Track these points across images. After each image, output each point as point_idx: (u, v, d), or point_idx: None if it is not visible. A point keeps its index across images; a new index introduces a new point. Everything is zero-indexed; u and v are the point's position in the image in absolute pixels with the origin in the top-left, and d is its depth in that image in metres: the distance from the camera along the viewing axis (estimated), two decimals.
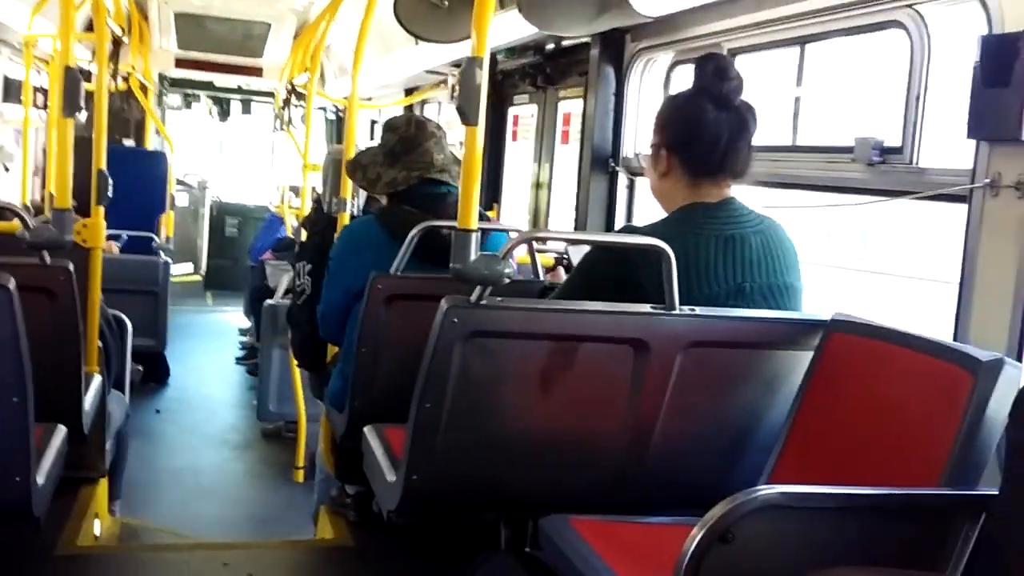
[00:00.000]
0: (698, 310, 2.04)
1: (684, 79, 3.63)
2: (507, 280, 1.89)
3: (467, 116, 1.88)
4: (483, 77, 1.88)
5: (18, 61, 5.83)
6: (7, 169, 6.69)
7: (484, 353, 1.98)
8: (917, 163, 2.43)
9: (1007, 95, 1.97)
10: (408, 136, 2.97)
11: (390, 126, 3.06)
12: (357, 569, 3.00)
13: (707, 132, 2.12)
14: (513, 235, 2.32)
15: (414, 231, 2.66)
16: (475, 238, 1.91)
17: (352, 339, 2.81)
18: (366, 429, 2.57)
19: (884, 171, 2.50)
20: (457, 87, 1.91)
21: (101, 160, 3.42)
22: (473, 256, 1.90)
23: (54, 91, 2.76)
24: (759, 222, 2.17)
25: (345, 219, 3.55)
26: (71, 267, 2.54)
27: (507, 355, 2.02)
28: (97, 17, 3.48)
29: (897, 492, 1.64)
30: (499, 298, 1.96)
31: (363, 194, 3.75)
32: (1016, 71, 1.94)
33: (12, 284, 1.80)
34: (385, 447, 2.41)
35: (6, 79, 6.36)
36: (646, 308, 2.03)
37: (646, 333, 2.04)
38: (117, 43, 4.84)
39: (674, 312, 2.02)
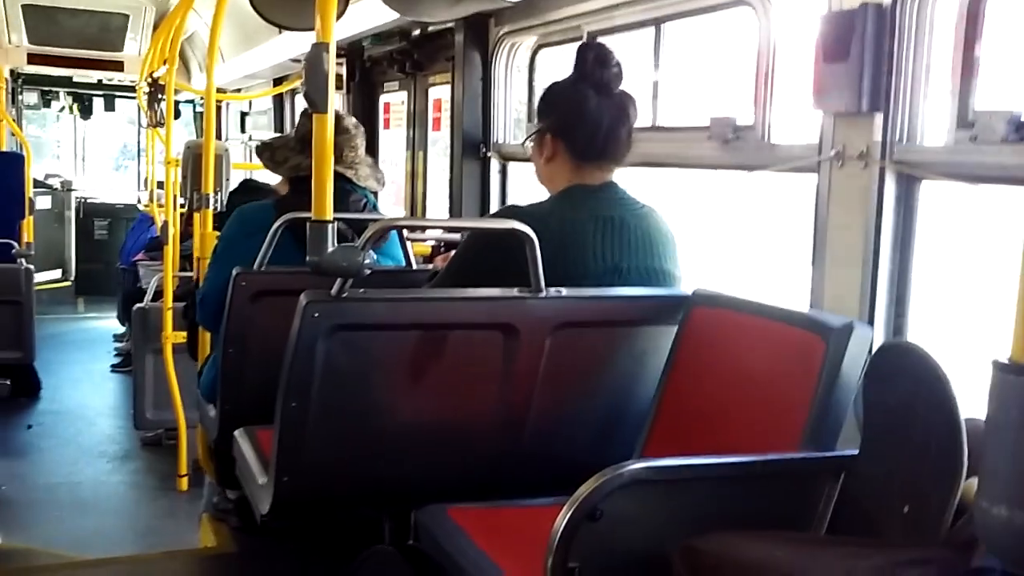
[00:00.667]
0: (564, 291, 2.06)
1: (548, 63, 3.64)
2: (367, 271, 1.86)
3: (316, 104, 1.83)
4: (331, 63, 1.83)
5: None
6: None
7: (349, 347, 1.94)
8: (769, 139, 2.50)
9: (847, 69, 2.03)
10: None
11: (307, 112, 3.00)
12: (239, 575, 2.92)
13: (589, 118, 2.15)
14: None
15: (277, 223, 2.59)
16: (331, 229, 1.86)
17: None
18: (236, 432, 2.50)
19: (738, 148, 2.56)
20: (304, 74, 1.84)
21: None
22: (330, 248, 1.85)
23: None
24: (639, 207, 2.21)
25: (208, 214, 3.43)
26: None
27: (374, 348, 1.98)
28: None
29: (760, 458, 1.68)
30: (362, 290, 1.92)
31: (227, 190, 3.65)
32: (854, 46, 2.01)
33: None
34: (256, 449, 2.35)
35: None
36: (512, 292, 2.03)
37: (514, 317, 2.03)
38: None
39: (540, 295, 2.02)
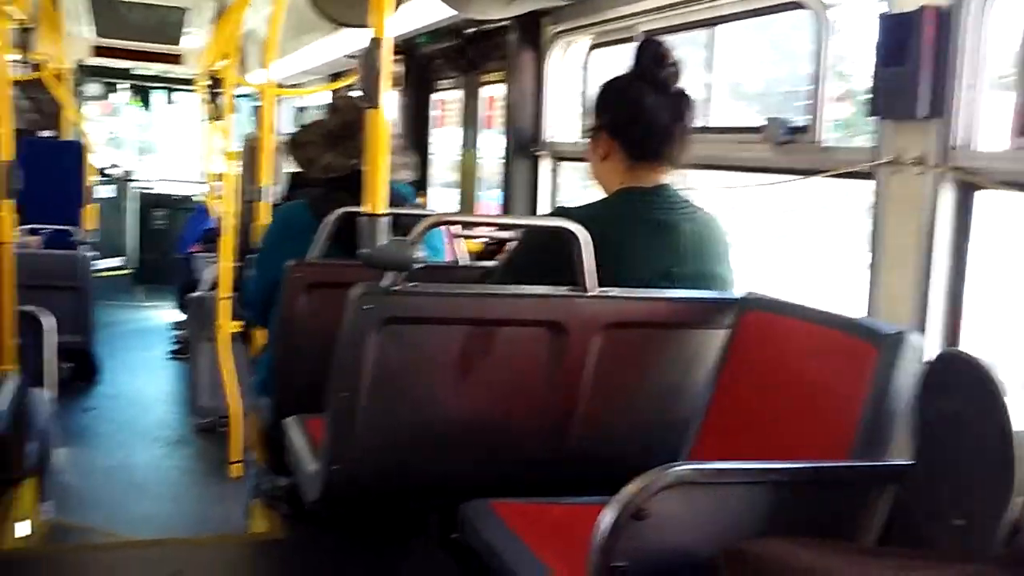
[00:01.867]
0: (613, 291, 2.06)
1: (602, 62, 3.64)
2: (417, 265, 1.88)
3: (370, 98, 1.86)
4: (386, 59, 1.86)
5: None
6: None
7: (399, 340, 1.97)
8: (821, 142, 2.47)
9: (904, 73, 2.01)
10: (350, 121, 2.88)
11: (334, 106, 3.00)
12: (288, 562, 2.97)
13: (646, 117, 2.13)
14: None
15: (329, 217, 2.63)
16: (385, 223, 1.89)
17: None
18: (287, 420, 2.55)
19: (792, 151, 2.54)
20: (360, 70, 1.87)
21: (8, 151, 3.32)
22: (383, 241, 1.88)
23: None
24: (692, 211, 2.19)
25: (265, 207, 3.49)
26: None
27: (423, 341, 2.01)
28: None
29: (810, 465, 1.67)
30: (413, 284, 1.95)
31: (284, 181, 3.71)
32: (911, 50, 1.98)
33: None
34: (307, 437, 2.39)
35: None
36: (562, 290, 2.04)
37: (563, 315, 2.05)
38: (26, 30, 4.67)
39: (590, 294, 2.03)
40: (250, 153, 3.78)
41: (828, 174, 2.40)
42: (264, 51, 3.98)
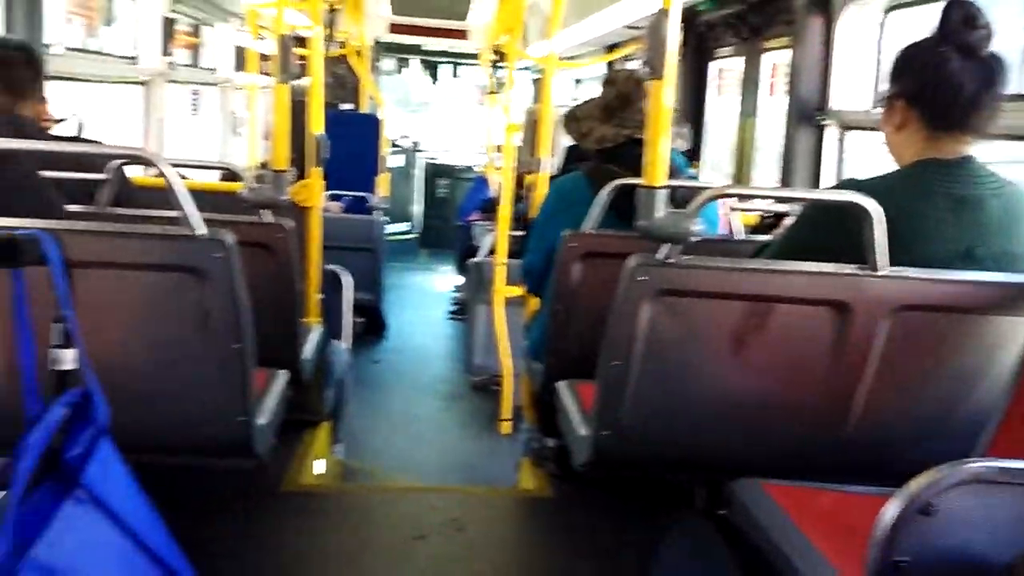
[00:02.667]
0: (907, 271, 1.93)
1: (899, 25, 3.38)
2: (695, 237, 1.86)
3: (655, 69, 1.85)
4: (672, 30, 1.84)
5: (248, 31, 6.28)
6: (239, 134, 7.24)
7: (673, 312, 1.96)
8: None
9: None
10: (625, 92, 2.93)
11: (609, 79, 3.03)
12: (554, 520, 3.07)
13: (950, 83, 1.95)
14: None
15: (605, 188, 2.66)
16: (662, 195, 1.88)
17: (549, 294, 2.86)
18: (559, 384, 2.62)
19: None
20: (646, 40, 1.86)
21: (319, 124, 3.63)
22: (661, 213, 1.87)
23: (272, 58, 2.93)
24: (1000, 185, 1.99)
25: (543, 178, 3.59)
26: (288, 224, 2.73)
27: (698, 315, 1.99)
28: None
29: None
30: (688, 256, 1.93)
31: (560, 153, 3.78)
32: None
33: (231, 239, 1.95)
34: (577, 402, 2.45)
35: (238, 49, 6.85)
36: (848, 269, 1.94)
37: (848, 295, 1.94)
38: (333, 10, 5.09)
39: (879, 273, 1.91)
40: (530, 126, 3.90)
41: None
42: (547, 24, 4.06)
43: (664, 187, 1.90)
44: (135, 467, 2.11)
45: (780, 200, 3.09)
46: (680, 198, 2.96)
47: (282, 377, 2.59)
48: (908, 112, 2.02)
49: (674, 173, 2.93)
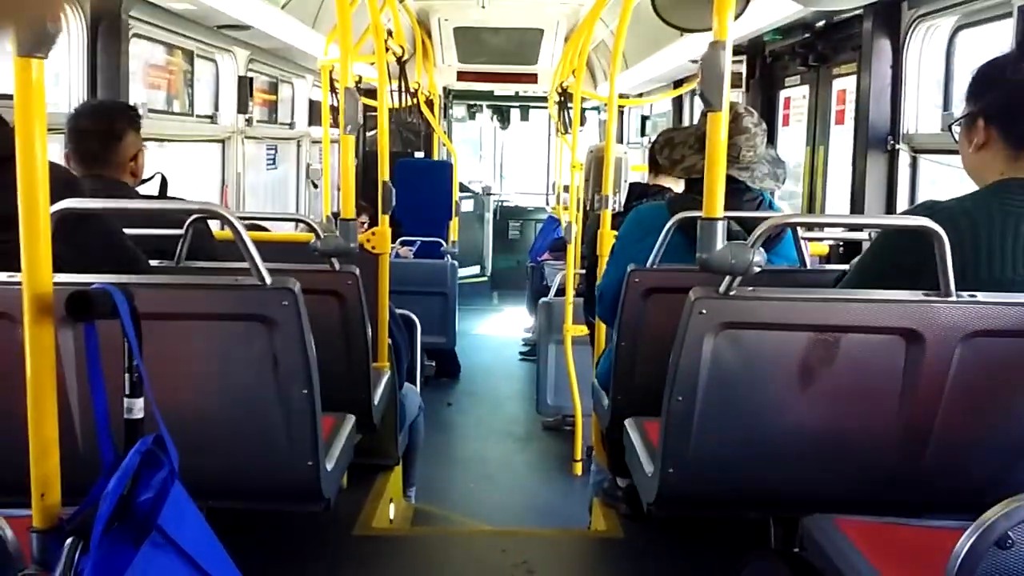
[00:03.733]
0: (979, 296, 1.87)
1: (968, 45, 3.30)
2: (757, 269, 1.83)
3: (711, 102, 1.84)
4: (726, 61, 1.83)
5: (320, 86, 6.49)
6: (315, 185, 7.44)
7: (737, 345, 1.93)
8: None
9: None
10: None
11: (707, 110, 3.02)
12: (625, 561, 3.03)
13: None
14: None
15: (669, 223, 2.65)
16: (721, 227, 1.86)
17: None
18: (627, 422, 2.60)
19: None
20: (700, 73, 1.86)
21: (385, 172, 3.70)
22: (720, 246, 1.85)
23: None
24: None
25: (607, 216, 3.59)
26: (357, 272, 2.78)
27: (763, 347, 1.95)
28: (377, 40, 3.78)
29: None
30: (751, 288, 1.90)
31: (624, 191, 3.79)
32: None
33: (297, 287, 2.00)
34: (644, 440, 2.42)
35: (311, 103, 7.06)
36: (917, 295, 1.89)
37: (919, 322, 1.89)
38: (401, 62, 5.21)
39: (950, 299, 1.86)
40: (594, 163, 3.91)
41: None
42: (610, 63, 4.09)
43: (723, 218, 1.88)
44: (209, 513, 2.17)
45: (847, 228, 3.02)
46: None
47: (350, 421, 2.62)
48: (988, 131, 1.95)
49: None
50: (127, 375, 1.58)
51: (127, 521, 1.62)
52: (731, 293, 1.89)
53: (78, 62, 3.62)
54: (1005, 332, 1.88)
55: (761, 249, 1.84)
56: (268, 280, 1.98)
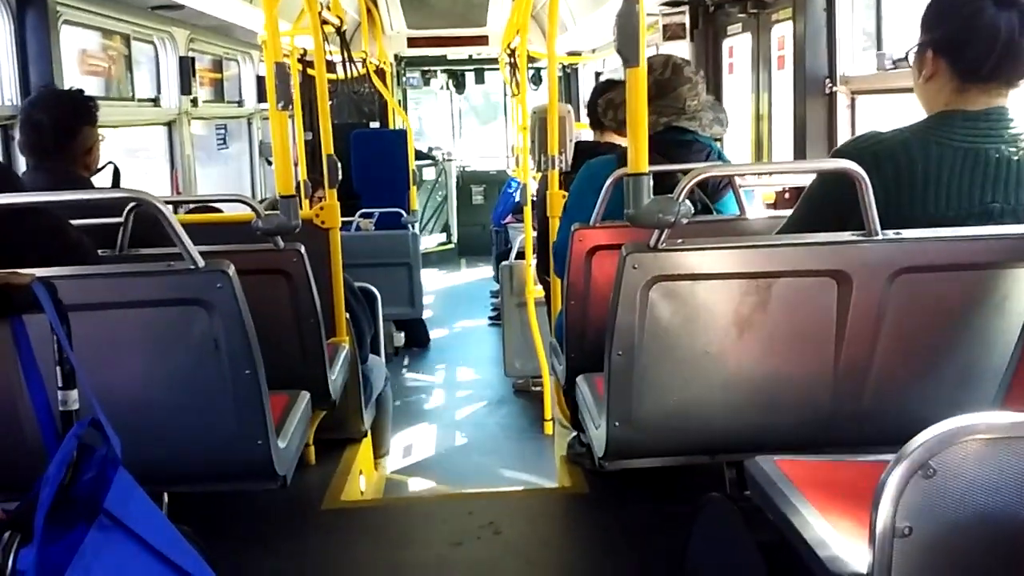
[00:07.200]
0: (904, 233, 1.90)
1: None
2: (684, 221, 1.85)
3: (628, 58, 1.84)
4: (641, 16, 1.83)
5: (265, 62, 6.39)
6: (269, 163, 7.36)
7: (671, 297, 1.96)
8: None
9: None
10: (663, 80, 2.90)
11: (648, 67, 3.02)
12: (590, 515, 3.08)
13: (982, 32, 1.89)
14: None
15: (608, 180, 2.66)
16: (647, 181, 1.88)
17: None
18: (578, 379, 2.63)
19: None
20: (615, 29, 1.86)
21: (329, 146, 3.68)
22: (646, 200, 1.87)
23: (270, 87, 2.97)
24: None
25: (554, 176, 3.59)
26: (302, 249, 2.77)
27: (696, 297, 1.98)
28: (311, 11, 3.73)
29: None
30: (680, 240, 1.93)
31: (571, 150, 3.79)
32: None
33: (231, 269, 2.00)
34: (594, 395, 2.45)
35: (258, 79, 6.97)
36: (843, 236, 1.92)
37: (846, 263, 1.93)
38: (340, 31, 5.14)
39: (875, 238, 1.89)
40: (538, 124, 3.90)
41: None
42: (549, 22, 4.07)
43: (647, 173, 1.89)
44: (171, 497, 2.18)
45: (754, 175, 3.05)
46: (712, 186, 2.96)
47: (304, 398, 2.63)
48: (937, 62, 1.95)
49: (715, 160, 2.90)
50: (57, 367, 1.58)
51: (71, 508, 1.62)
52: (661, 246, 1.91)
53: (5, 52, 3.55)
54: (931, 268, 1.92)
55: (687, 202, 1.85)
56: (200, 263, 1.98)
